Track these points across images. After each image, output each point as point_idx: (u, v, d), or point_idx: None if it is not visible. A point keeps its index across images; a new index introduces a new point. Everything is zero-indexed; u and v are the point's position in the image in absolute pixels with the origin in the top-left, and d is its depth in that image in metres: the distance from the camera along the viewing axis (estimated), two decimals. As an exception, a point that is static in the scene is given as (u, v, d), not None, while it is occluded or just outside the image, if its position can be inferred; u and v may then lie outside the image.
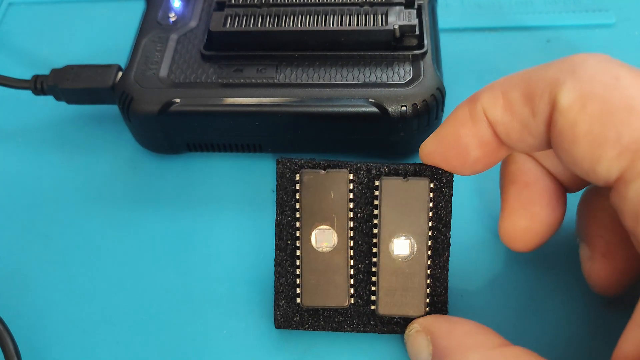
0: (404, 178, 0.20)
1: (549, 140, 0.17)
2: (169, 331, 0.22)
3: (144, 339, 0.22)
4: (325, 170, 0.20)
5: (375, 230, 0.21)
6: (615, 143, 0.14)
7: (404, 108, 0.24)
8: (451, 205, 0.20)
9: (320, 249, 0.21)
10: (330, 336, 0.22)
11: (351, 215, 0.21)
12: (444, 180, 0.20)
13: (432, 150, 0.19)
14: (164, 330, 0.22)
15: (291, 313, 0.21)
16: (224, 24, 0.26)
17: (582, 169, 0.16)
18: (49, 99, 0.28)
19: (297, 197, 0.21)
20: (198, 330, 0.22)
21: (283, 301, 0.21)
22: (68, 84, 0.26)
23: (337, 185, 0.20)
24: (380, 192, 0.20)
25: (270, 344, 0.22)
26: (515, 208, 0.20)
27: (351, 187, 0.21)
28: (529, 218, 0.20)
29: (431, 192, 0.20)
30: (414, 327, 0.20)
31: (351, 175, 0.21)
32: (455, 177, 0.20)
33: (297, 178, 0.21)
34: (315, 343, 0.22)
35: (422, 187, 0.20)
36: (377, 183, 0.20)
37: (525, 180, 0.20)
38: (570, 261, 0.23)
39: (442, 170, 0.20)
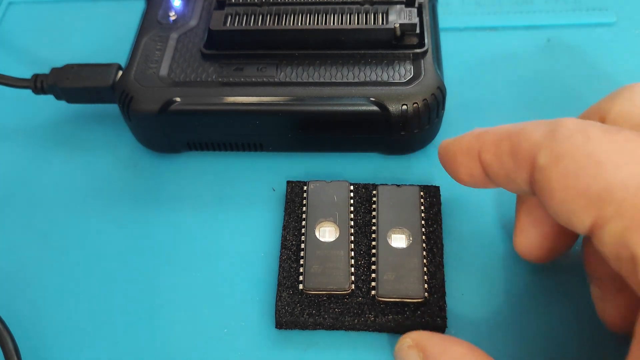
0: (397, 186, 0.24)
1: (531, 190, 0.18)
2: (169, 330, 0.22)
3: (144, 338, 0.22)
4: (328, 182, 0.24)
5: (374, 228, 0.23)
6: (585, 193, 0.16)
7: (404, 107, 0.24)
8: (441, 211, 0.23)
9: (323, 240, 0.22)
10: (330, 335, 0.22)
11: (352, 217, 0.23)
12: (432, 192, 0.24)
13: (440, 153, 0.21)
14: (164, 329, 0.22)
15: (292, 303, 0.21)
16: (224, 23, 0.26)
17: (563, 221, 0.17)
18: (49, 98, 0.28)
19: (304, 203, 0.24)
20: (198, 329, 0.22)
21: (285, 292, 0.22)
22: (68, 83, 0.26)
23: (340, 191, 0.24)
24: (377, 197, 0.23)
25: (270, 343, 0.22)
26: (527, 226, 0.21)
27: (352, 195, 0.24)
28: (540, 236, 0.20)
29: (422, 198, 0.23)
30: (405, 342, 0.20)
31: (351, 187, 0.24)
32: (452, 179, 0.21)
33: (305, 188, 0.24)
34: (316, 342, 0.22)
35: (413, 192, 0.23)
36: (374, 192, 0.24)
37: (536, 201, 0.20)
38: (572, 261, 0.23)
39: (431, 185, 0.24)
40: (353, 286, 0.22)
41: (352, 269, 0.22)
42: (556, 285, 0.22)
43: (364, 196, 0.24)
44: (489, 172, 0.19)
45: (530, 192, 0.18)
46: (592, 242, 0.16)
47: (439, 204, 0.24)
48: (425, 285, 0.21)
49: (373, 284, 0.21)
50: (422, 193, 0.23)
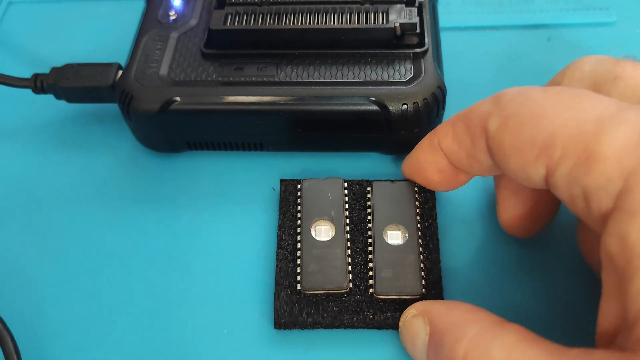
0: (391, 182, 0.23)
1: (493, 164, 0.19)
2: (169, 330, 0.22)
3: (144, 337, 0.22)
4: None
5: (369, 225, 0.23)
6: (533, 146, 0.17)
7: (404, 106, 0.24)
8: (435, 207, 0.23)
9: (319, 239, 0.22)
10: (330, 334, 0.22)
11: (347, 214, 0.23)
12: (427, 188, 0.23)
13: (405, 169, 0.23)
14: (164, 329, 0.22)
15: (291, 303, 0.21)
16: (225, 22, 0.26)
17: (522, 179, 0.18)
18: (49, 98, 0.28)
19: (299, 202, 0.23)
20: (198, 329, 0.22)
21: (283, 293, 0.22)
22: (68, 83, 0.26)
23: (334, 188, 0.23)
24: (371, 194, 0.23)
25: (270, 343, 0.22)
26: (508, 196, 0.21)
27: (346, 192, 0.23)
28: (522, 203, 0.21)
29: (416, 194, 0.23)
30: (410, 312, 0.20)
31: (345, 184, 0.24)
32: None
33: (298, 187, 0.24)
34: (316, 343, 0.22)
35: (408, 187, 0.23)
36: (368, 189, 0.23)
37: None
38: (573, 260, 0.23)
39: None
40: (351, 284, 0.22)
41: (350, 267, 0.22)
42: (558, 285, 0.22)
43: (359, 192, 0.24)
44: (452, 159, 0.20)
45: (494, 170, 0.20)
46: (551, 191, 0.17)
47: (434, 198, 0.23)
48: (423, 282, 0.21)
49: (371, 281, 0.21)
50: (416, 188, 0.23)
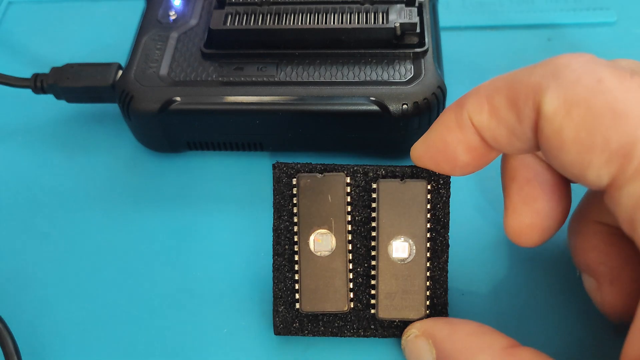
0: (401, 180, 0.20)
1: (537, 143, 0.17)
2: (169, 330, 0.22)
3: (144, 337, 0.22)
4: (322, 174, 0.20)
5: (373, 233, 0.21)
6: (604, 149, 0.14)
7: (405, 106, 0.24)
8: (449, 207, 0.21)
9: (318, 254, 0.21)
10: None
11: (349, 219, 0.21)
12: (441, 182, 0.20)
13: (421, 153, 0.19)
14: (164, 329, 0.22)
15: (290, 319, 0.21)
16: (225, 22, 0.26)
17: (573, 174, 0.16)
18: (49, 98, 0.28)
19: (295, 202, 0.21)
20: (198, 329, 0.22)
21: (282, 307, 0.21)
22: (68, 83, 0.26)
23: (335, 188, 0.20)
24: (377, 195, 0.20)
25: (270, 343, 0.22)
26: (518, 205, 0.19)
27: (348, 190, 0.21)
28: (533, 214, 0.19)
29: (428, 193, 0.20)
30: (412, 332, 0.20)
31: (348, 178, 0.21)
32: (454, 177, 0.20)
33: (294, 182, 0.21)
34: (315, 342, 0.22)
35: (419, 189, 0.20)
36: (374, 186, 0.20)
37: (526, 176, 0.19)
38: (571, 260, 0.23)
39: (440, 175, 0.20)
40: (352, 304, 0.21)
41: (351, 284, 0.21)
42: (557, 285, 0.22)
43: (363, 186, 0.21)
44: (488, 136, 0.17)
45: (535, 148, 0.17)
46: (604, 199, 0.15)
47: (448, 196, 0.21)
48: (427, 302, 0.20)
49: (373, 301, 0.21)
50: (429, 187, 0.20)
